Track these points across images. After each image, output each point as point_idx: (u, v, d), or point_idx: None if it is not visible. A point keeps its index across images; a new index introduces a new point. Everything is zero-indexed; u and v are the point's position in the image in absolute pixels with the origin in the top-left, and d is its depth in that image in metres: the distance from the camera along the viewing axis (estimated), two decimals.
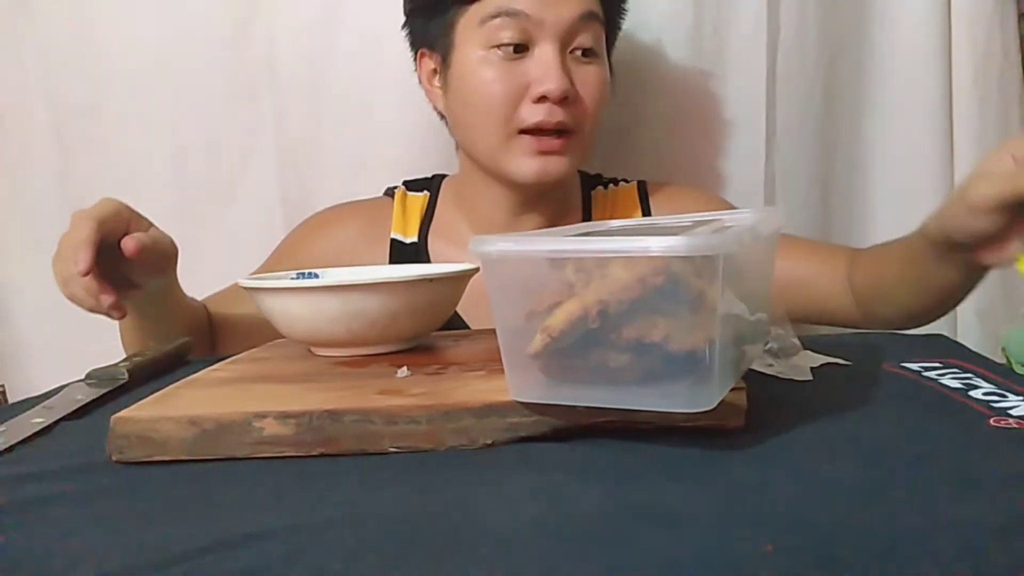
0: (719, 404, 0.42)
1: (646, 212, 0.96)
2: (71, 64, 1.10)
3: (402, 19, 0.94)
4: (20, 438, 0.51)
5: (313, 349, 0.66)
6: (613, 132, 1.08)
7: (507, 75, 0.84)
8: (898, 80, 1.10)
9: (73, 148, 1.12)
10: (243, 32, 1.09)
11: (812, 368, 0.58)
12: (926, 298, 0.72)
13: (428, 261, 0.94)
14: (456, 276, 0.66)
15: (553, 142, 0.85)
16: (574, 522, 0.36)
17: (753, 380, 0.49)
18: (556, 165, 0.86)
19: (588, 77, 0.86)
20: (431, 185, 1.00)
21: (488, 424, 0.46)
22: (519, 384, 0.45)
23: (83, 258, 0.66)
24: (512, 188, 0.90)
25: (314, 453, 0.46)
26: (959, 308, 0.85)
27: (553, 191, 0.91)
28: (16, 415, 0.56)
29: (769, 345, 0.60)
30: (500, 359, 0.46)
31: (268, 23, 1.09)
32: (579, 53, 0.85)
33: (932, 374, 0.56)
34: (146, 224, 0.74)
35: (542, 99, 0.83)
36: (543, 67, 0.83)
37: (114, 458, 0.47)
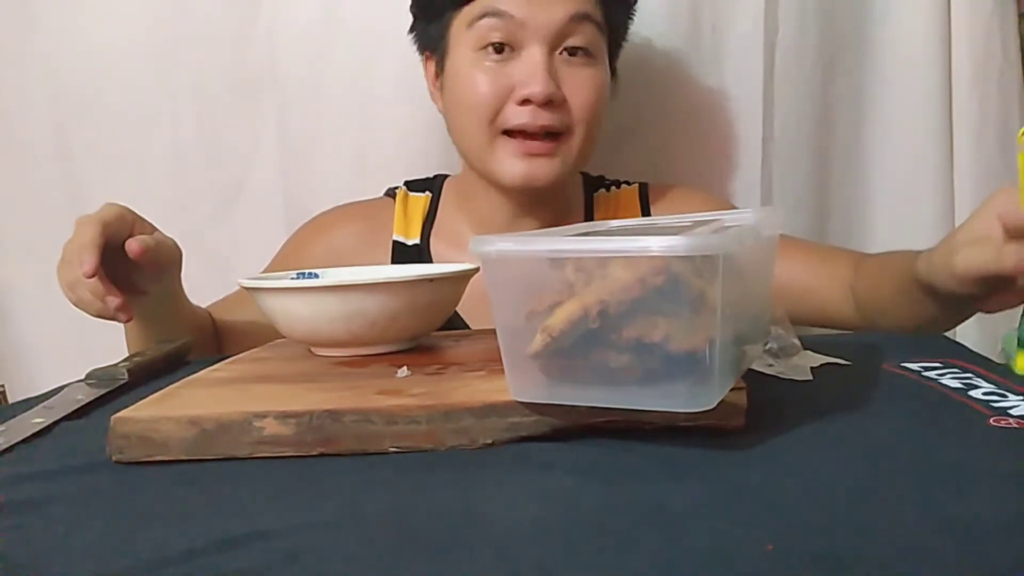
0: (719, 404, 0.42)
1: (647, 214, 0.96)
2: (73, 64, 1.10)
3: (402, 20, 0.94)
4: (20, 438, 0.51)
5: (313, 349, 0.66)
6: (610, 131, 1.08)
7: (493, 77, 0.84)
8: (897, 79, 1.10)
9: (75, 148, 1.12)
10: (244, 32, 1.09)
11: (812, 368, 0.58)
12: (919, 322, 0.71)
13: (430, 263, 0.94)
14: (456, 276, 0.66)
15: (539, 145, 0.84)
16: (574, 522, 0.36)
17: (753, 380, 0.49)
18: (543, 168, 0.85)
19: (579, 80, 0.85)
20: (433, 186, 1.00)
21: (488, 424, 0.46)
22: (519, 384, 0.45)
23: (88, 259, 0.66)
24: (507, 191, 0.90)
25: (314, 453, 0.46)
26: None
27: (551, 194, 0.91)
28: (16, 415, 0.56)
29: (769, 345, 0.60)
30: (500, 359, 0.46)
31: (269, 23, 1.09)
32: (569, 55, 0.84)
33: (932, 374, 0.56)
34: (150, 228, 0.74)
35: (526, 102, 0.83)
36: (528, 69, 0.83)
37: (114, 458, 0.47)
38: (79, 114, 1.11)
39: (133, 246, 0.68)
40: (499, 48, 0.84)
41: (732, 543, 0.33)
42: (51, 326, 1.12)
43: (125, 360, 0.68)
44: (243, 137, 1.12)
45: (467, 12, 0.85)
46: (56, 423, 0.55)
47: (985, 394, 0.51)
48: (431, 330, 0.68)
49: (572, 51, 0.84)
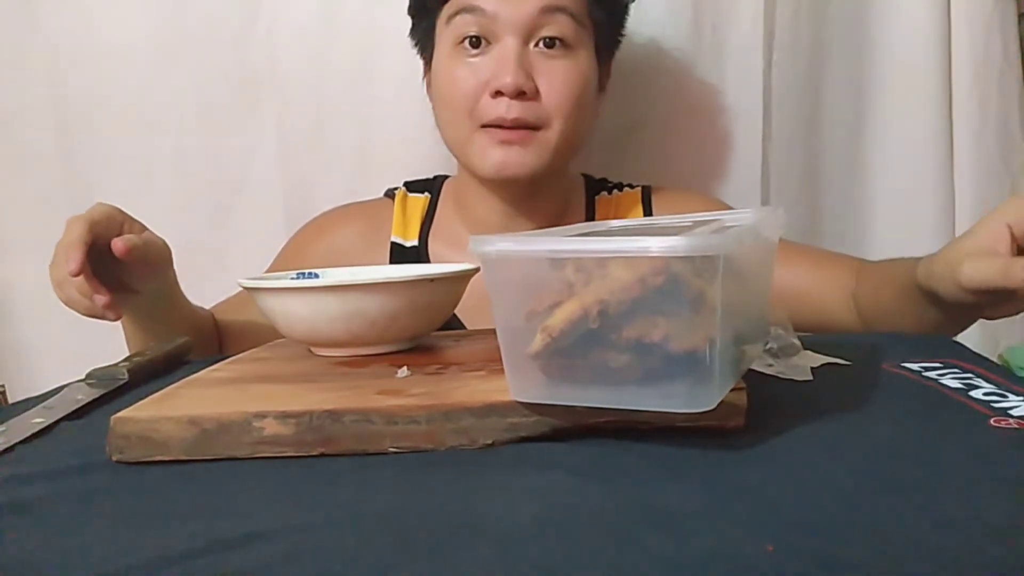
0: (719, 404, 0.42)
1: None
2: (75, 63, 1.10)
3: (402, 20, 0.94)
4: (20, 438, 0.51)
5: (313, 349, 0.66)
6: (610, 131, 1.08)
7: (470, 71, 0.85)
8: (897, 80, 1.10)
9: (76, 148, 1.12)
10: (245, 32, 1.09)
11: (812, 368, 0.58)
12: (921, 328, 0.71)
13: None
14: (456, 276, 0.66)
15: (512, 132, 0.84)
16: (574, 522, 0.36)
17: (753, 380, 0.49)
18: (517, 157, 0.85)
19: (554, 71, 0.85)
20: (432, 186, 1.00)
21: (488, 424, 0.46)
22: (519, 384, 0.45)
23: (74, 257, 0.66)
24: (495, 187, 0.90)
25: (314, 453, 0.46)
26: None
27: (542, 192, 0.91)
28: (16, 415, 0.56)
29: (769, 345, 0.60)
30: (500, 359, 0.46)
31: (269, 23, 1.09)
32: (546, 46, 0.85)
33: (932, 374, 0.56)
34: (140, 227, 0.74)
35: (499, 94, 0.83)
36: (499, 62, 0.83)
37: (114, 458, 0.47)
38: (80, 114, 1.11)
39: (118, 245, 0.68)
40: (475, 42, 0.85)
41: (732, 543, 0.33)
42: (51, 326, 1.12)
43: (125, 360, 0.68)
44: (243, 137, 1.12)
45: (446, 9, 0.87)
46: (56, 423, 0.55)
47: (985, 394, 0.51)
48: (431, 330, 0.68)
49: (549, 43, 0.85)
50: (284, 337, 0.67)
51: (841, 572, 0.31)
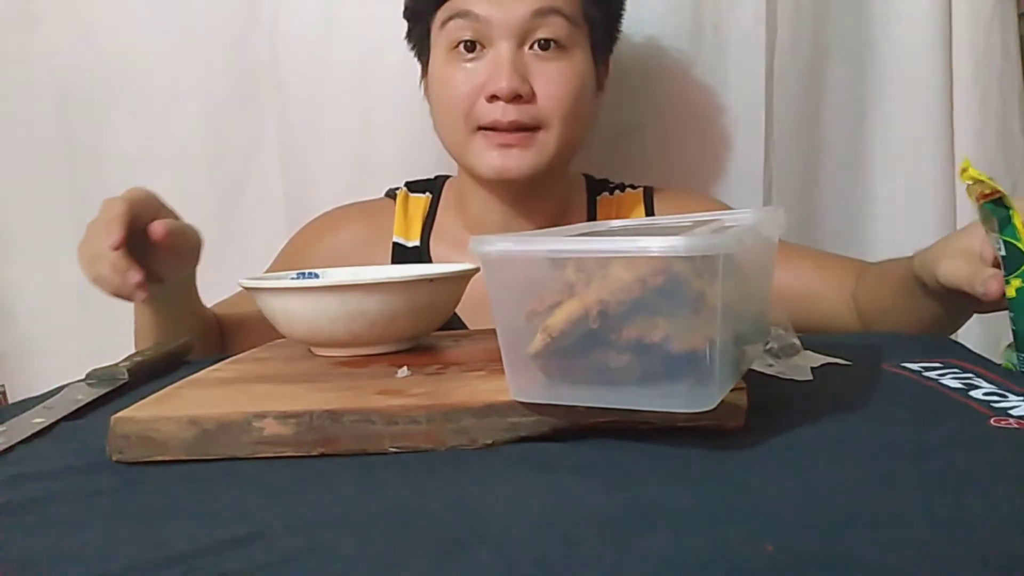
0: (719, 404, 0.42)
1: None
2: (77, 65, 1.10)
3: (402, 20, 0.94)
4: (20, 438, 0.51)
5: (313, 349, 0.66)
6: (611, 131, 1.08)
7: (465, 75, 0.85)
8: (898, 79, 1.10)
9: (78, 149, 1.12)
10: (246, 34, 1.09)
11: (812, 368, 0.58)
12: (920, 326, 0.71)
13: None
14: (456, 276, 0.66)
15: (510, 136, 0.85)
16: (574, 522, 0.36)
17: (753, 380, 0.48)
18: (516, 160, 0.85)
19: (549, 73, 0.85)
20: (433, 186, 1.00)
21: (488, 424, 0.46)
22: (519, 384, 0.45)
23: (116, 230, 0.65)
24: (495, 188, 0.90)
25: (314, 453, 0.46)
26: None
27: (542, 192, 0.91)
28: (16, 415, 0.56)
29: (769, 345, 0.60)
30: (500, 359, 0.46)
31: (270, 24, 1.09)
32: (541, 48, 0.85)
33: (932, 374, 0.56)
34: (174, 214, 0.75)
35: (494, 98, 0.84)
36: (494, 66, 0.84)
37: (114, 458, 0.47)
38: (81, 114, 1.11)
39: (159, 228, 0.68)
40: (470, 46, 0.85)
41: (732, 543, 0.33)
42: (51, 326, 1.12)
43: (125, 360, 0.68)
44: (244, 137, 1.12)
45: (440, 14, 0.87)
46: (56, 423, 0.55)
47: (986, 394, 0.51)
48: (431, 330, 0.68)
49: (544, 45, 0.85)
50: (284, 337, 0.67)
51: (841, 572, 0.31)
